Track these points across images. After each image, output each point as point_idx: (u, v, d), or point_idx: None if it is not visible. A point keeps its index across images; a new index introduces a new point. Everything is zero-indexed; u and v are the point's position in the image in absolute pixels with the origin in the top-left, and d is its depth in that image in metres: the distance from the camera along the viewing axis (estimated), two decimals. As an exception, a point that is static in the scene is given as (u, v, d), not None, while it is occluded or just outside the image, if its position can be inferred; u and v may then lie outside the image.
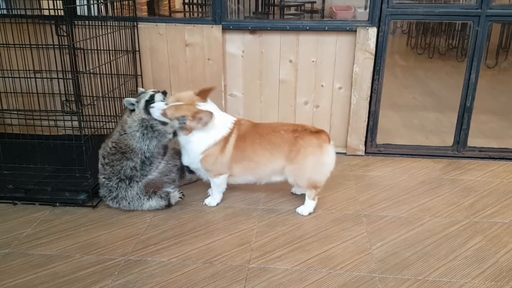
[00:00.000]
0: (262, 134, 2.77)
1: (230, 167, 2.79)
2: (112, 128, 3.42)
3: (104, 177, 2.77)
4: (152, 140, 2.76)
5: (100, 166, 2.80)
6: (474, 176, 3.34)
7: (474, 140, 3.67)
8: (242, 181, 2.90)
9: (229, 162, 2.77)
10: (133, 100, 2.78)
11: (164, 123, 2.73)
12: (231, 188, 3.11)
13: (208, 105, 2.70)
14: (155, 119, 2.71)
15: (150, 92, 2.78)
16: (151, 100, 2.74)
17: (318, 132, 2.76)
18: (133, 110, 2.78)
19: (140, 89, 2.88)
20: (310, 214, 2.80)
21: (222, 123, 2.75)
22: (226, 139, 2.74)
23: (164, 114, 2.66)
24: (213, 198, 2.93)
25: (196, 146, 2.72)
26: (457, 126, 3.62)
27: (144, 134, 2.74)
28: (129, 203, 2.78)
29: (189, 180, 3.14)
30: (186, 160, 2.84)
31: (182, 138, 2.75)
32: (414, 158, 3.65)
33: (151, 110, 2.71)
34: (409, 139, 3.87)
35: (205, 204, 2.92)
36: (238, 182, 2.91)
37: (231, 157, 2.75)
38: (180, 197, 2.88)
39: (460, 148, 3.66)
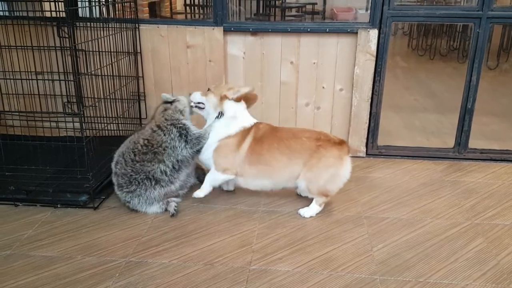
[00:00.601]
0: (282, 139, 2.79)
1: (244, 168, 2.80)
2: (114, 130, 3.43)
3: (130, 169, 2.76)
4: (188, 143, 2.82)
5: (124, 159, 2.79)
6: (475, 178, 3.34)
7: (475, 142, 3.67)
8: (255, 186, 2.91)
9: (242, 162, 2.79)
10: (170, 97, 2.92)
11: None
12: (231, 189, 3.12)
13: (239, 107, 2.89)
14: (191, 126, 2.87)
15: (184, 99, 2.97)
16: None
17: (340, 143, 2.77)
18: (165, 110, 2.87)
19: (167, 96, 2.95)
20: (311, 217, 2.80)
21: (243, 118, 2.87)
22: (243, 136, 2.81)
23: (205, 93, 2.91)
24: (202, 189, 2.87)
25: (214, 133, 2.84)
26: (458, 127, 3.62)
27: (181, 134, 2.80)
28: (140, 202, 2.78)
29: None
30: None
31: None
32: (415, 160, 3.65)
33: (193, 95, 2.95)
34: (410, 141, 3.87)
35: (193, 196, 2.88)
36: (251, 187, 2.91)
37: (245, 157, 2.78)
38: (175, 208, 2.83)
39: (461, 150, 3.66)
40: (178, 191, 2.91)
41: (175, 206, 2.84)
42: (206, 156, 2.87)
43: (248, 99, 2.93)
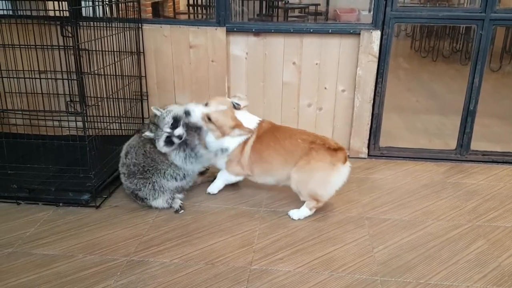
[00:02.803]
0: (279, 139, 2.83)
1: (250, 167, 2.89)
2: (117, 129, 3.43)
3: (143, 161, 2.78)
4: (195, 163, 2.85)
5: (136, 152, 2.81)
6: (477, 180, 3.34)
7: (477, 144, 3.66)
8: (263, 181, 2.98)
9: (248, 162, 2.88)
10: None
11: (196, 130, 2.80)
12: (234, 189, 3.12)
13: (240, 112, 2.86)
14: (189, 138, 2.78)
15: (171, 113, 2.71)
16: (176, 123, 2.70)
17: (335, 149, 2.73)
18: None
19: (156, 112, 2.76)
20: (299, 219, 2.78)
21: (247, 124, 2.86)
22: (245, 141, 2.86)
23: (205, 117, 2.75)
24: (216, 185, 3.05)
25: (228, 146, 2.87)
26: (460, 129, 3.62)
27: (187, 156, 2.81)
28: (150, 191, 2.79)
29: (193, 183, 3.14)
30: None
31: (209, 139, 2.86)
32: (417, 161, 3.65)
33: (192, 113, 2.72)
34: (412, 142, 3.87)
35: (208, 192, 3.04)
36: (259, 181, 2.99)
37: (249, 157, 2.86)
38: (180, 204, 2.86)
39: (463, 152, 3.66)
40: (187, 185, 2.95)
41: (181, 203, 2.86)
42: (220, 165, 2.98)
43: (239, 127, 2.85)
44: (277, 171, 2.84)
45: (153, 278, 2.23)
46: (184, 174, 2.85)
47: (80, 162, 2.93)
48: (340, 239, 2.57)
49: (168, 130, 2.66)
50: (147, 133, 2.74)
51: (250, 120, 2.87)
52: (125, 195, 3.00)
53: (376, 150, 3.71)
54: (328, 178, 2.74)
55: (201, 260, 2.37)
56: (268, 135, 2.85)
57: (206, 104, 2.78)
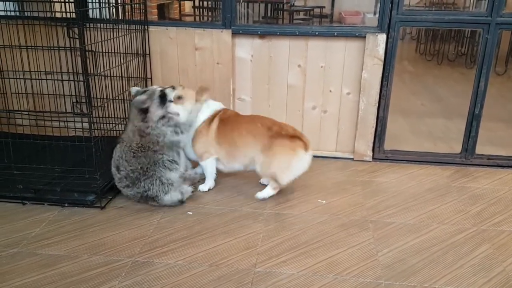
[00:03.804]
0: (241, 123, 3.05)
1: (217, 149, 3.05)
2: (123, 130, 3.44)
3: (137, 164, 2.82)
4: (184, 133, 2.98)
5: (126, 160, 2.84)
6: (482, 184, 3.33)
7: (482, 148, 3.65)
8: (231, 167, 3.12)
9: (213, 142, 3.03)
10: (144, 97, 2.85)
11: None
12: (237, 192, 3.13)
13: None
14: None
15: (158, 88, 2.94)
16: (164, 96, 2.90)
17: (293, 136, 2.95)
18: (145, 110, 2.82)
19: (135, 88, 2.98)
20: (264, 199, 3.01)
21: (209, 107, 3.10)
22: (210, 121, 3.05)
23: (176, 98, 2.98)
24: (205, 183, 3.16)
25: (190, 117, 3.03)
26: (466, 133, 3.61)
27: (173, 129, 2.91)
28: (159, 186, 2.83)
29: (192, 179, 3.17)
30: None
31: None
32: (422, 165, 3.65)
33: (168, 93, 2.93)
34: (417, 146, 3.86)
35: (199, 190, 3.13)
36: (227, 168, 3.13)
37: (215, 137, 3.03)
38: (192, 191, 2.99)
39: (468, 156, 3.65)
40: (187, 173, 3.06)
41: (192, 191, 3.00)
42: (188, 151, 3.13)
43: (204, 91, 3.10)
44: (241, 153, 3.01)
45: (158, 279, 2.23)
46: (178, 153, 2.94)
47: (85, 163, 2.94)
48: (344, 242, 2.57)
49: (159, 89, 2.92)
50: (139, 97, 2.83)
51: (211, 105, 3.12)
52: (130, 196, 3.01)
53: (381, 153, 3.71)
54: (291, 162, 2.93)
55: (205, 262, 2.38)
56: (232, 119, 3.07)
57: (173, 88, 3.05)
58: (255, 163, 3.00)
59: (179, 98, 2.99)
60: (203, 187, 3.15)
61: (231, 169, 3.14)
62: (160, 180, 2.82)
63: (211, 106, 3.12)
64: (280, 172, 2.93)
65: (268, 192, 3.04)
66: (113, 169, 2.89)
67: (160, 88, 2.93)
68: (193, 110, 3.02)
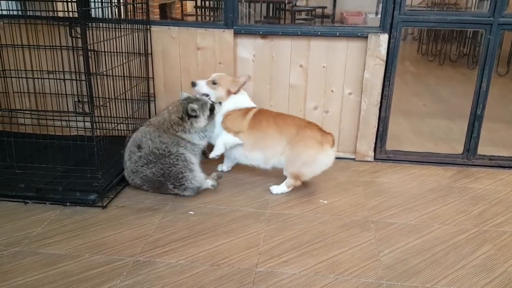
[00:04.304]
0: (276, 117, 3.18)
1: (246, 133, 3.13)
2: (125, 130, 3.45)
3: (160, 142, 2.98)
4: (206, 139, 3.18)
5: (151, 139, 2.99)
6: (484, 185, 3.33)
7: (484, 149, 3.65)
8: (252, 158, 3.18)
9: (246, 127, 3.13)
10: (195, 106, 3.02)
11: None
12: (239, 191, 3.13)
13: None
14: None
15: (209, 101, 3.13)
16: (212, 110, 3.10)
17: (326, 133, 3.07)
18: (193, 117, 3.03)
19: (185, 94, 3.15)
20: (277, 194, 3.09)
21: (246, 99, 3.28)
22: (246, 111, 3.18)
23: (210, 83, 3.20)
24: (215, 150, 3.17)
25: (221, 111, 3.19)
26: (467, 134, 3.61)
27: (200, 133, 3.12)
28: (182, 162, 2.95)
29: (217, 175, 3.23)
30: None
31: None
32: (423, 165, 3.64)
33: (198, 82, 3.20)
34: (418, 146, 3.86)
35: (210, 157, 3.18)
36: (248, 158, 3.20)
37: (249, 122, 3.13)
38: (212, 185, 3.07)
39: (470, 156, 3.65)
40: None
41: (212, 185, 3.07)
42: (217, 132, 3.20)
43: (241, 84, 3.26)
44: (270, 142, 3.09)
45: (159, 279, 2.23)
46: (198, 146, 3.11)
47: (87, 162, 2.94)
48: (345, 243, 2.57)
49: (211, 102, 3.12)
50: (193, 105, 3.00)
51: (249, 103, 3.26)
52: (132, 195, 3.02)
53: (383, 153, 3.71)
54: (317, 157, 3.01)
55: (207, 261, 2.38)
56: (268, 113, 3.23)
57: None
58: (280, 156, 3.08)
59: (213, 83, 3.19)
60: (213, 154, 3.18)
61: (252, 160, 3.20)
62: (184, 158, 2.94)
63: (244, 103, 3.24)
64: (305, 165, 3.02)
65: (282, 188, 3.11)
66: (132, 149, 3.01)
67: (211, 102, 3.10)
68: (222, 97, 3.18)
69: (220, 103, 3.19)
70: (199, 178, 3.00)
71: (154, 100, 3.75)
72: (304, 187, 3.20)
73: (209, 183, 3.06)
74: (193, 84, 3.23)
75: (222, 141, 3.15)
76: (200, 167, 3.07)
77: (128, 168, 3.05)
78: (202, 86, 3.21)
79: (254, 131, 3.12)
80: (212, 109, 3.08)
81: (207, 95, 3.19)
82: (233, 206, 2.94)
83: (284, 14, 7.49)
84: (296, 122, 3.12)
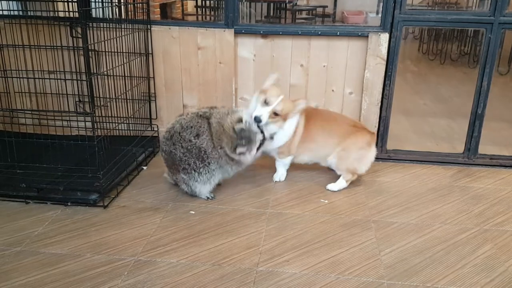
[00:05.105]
0: (325, 120, 3.22)
1: (298, 148, 3.17)
2: (125, 130, 3.46)
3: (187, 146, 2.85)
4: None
5: (181, 137, 2.87)
6: (485, 184, 3.33)
7: (485, 148, 3.65)
8: (299, 160, 3.26)
9: (299, 142, 3.15)
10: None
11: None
12: (239, 190, 3.13)
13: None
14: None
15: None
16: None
17: (372, 132, 3.27)
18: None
19: (245, 119, 2.83)
20: (339, 190, 3.16)
21: (295, 119, 3.12)
22: (295, 130, 3.13)
23: (271, 114, 2.92)
24: (281, 174, 3.31)
25: (276, 143, 3.12)
26: (468, 133, 3.61)
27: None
28: (215, 170, 2.92)
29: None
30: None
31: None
32: (424, 165, 3.64)
33: (262, 117, 2.86)
34: (419, 146, 3.86)
35: (275, 180, 3.29)
36: (296, 160, 3.26)
37: (301, 136, 3.13)
38: (207, 197, 3.03)
39: (470, 156, 3.65)
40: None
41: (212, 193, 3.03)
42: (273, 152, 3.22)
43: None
44: (321, 147, 3.16)
45: (160, 278, 2.24)
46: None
47: (88, 162, 2.95)
48: (346, 242, 2.57)
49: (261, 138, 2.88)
50: (241, 149, 2.81)
51: (297, 102, 3.11)
52: (133, 195, 3.02)
53: (383, 153, 3.71)
54: (367, 155, 3.16)
55: (208, 261, 2.38)
56: (314, 116, 3.20)
57: (265, 102, 2.92)
58: (328, 155, 3.15)
59: (275, 114, 2.93)
60: (280, 177, 3.29)
61: (299, 161, 3.28)
62: (209, 168, 2.88)
63: (296, 119, 3.12)
64: (358, 162, 3.14)
65: (341, 184, 3.18)
66: (170, 125, 2.93)
67: (261, 140, 2.86)
68: (278, 128, 3.03)
69: (272, 137, 3.03)
70: (201, 189, 2.94)
71: (155, 100, 3.75)
72: (304, 187, 3.20)
73: (205, 195, 3.00)
74: (257, 120, 2.85)
75: (283, 166, 3.29)
76: (212, 181, 2.94)
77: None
78: (268, 124, 2.93)
79: (304, 144, 3.16)
80: (259, 147, 2.88)
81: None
82: (234, 206, 2.95)
83: (285, 13, 7.49)
84: (344, 128, 3.17)
